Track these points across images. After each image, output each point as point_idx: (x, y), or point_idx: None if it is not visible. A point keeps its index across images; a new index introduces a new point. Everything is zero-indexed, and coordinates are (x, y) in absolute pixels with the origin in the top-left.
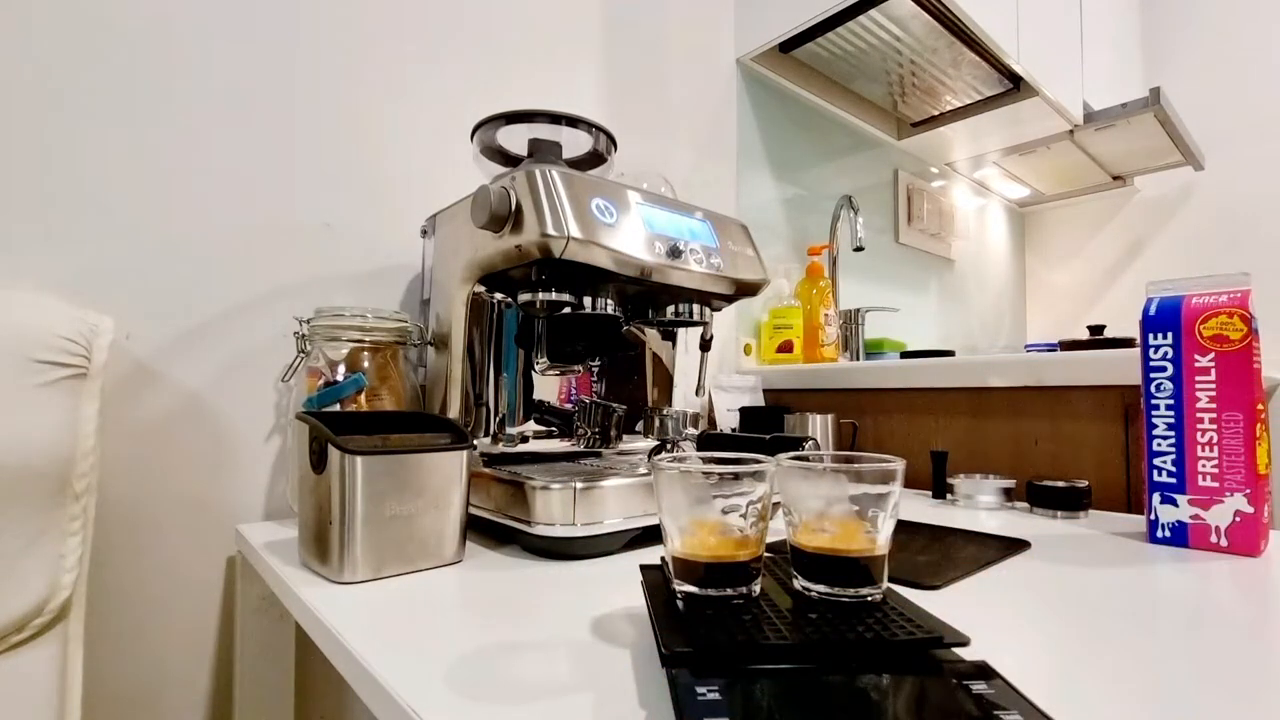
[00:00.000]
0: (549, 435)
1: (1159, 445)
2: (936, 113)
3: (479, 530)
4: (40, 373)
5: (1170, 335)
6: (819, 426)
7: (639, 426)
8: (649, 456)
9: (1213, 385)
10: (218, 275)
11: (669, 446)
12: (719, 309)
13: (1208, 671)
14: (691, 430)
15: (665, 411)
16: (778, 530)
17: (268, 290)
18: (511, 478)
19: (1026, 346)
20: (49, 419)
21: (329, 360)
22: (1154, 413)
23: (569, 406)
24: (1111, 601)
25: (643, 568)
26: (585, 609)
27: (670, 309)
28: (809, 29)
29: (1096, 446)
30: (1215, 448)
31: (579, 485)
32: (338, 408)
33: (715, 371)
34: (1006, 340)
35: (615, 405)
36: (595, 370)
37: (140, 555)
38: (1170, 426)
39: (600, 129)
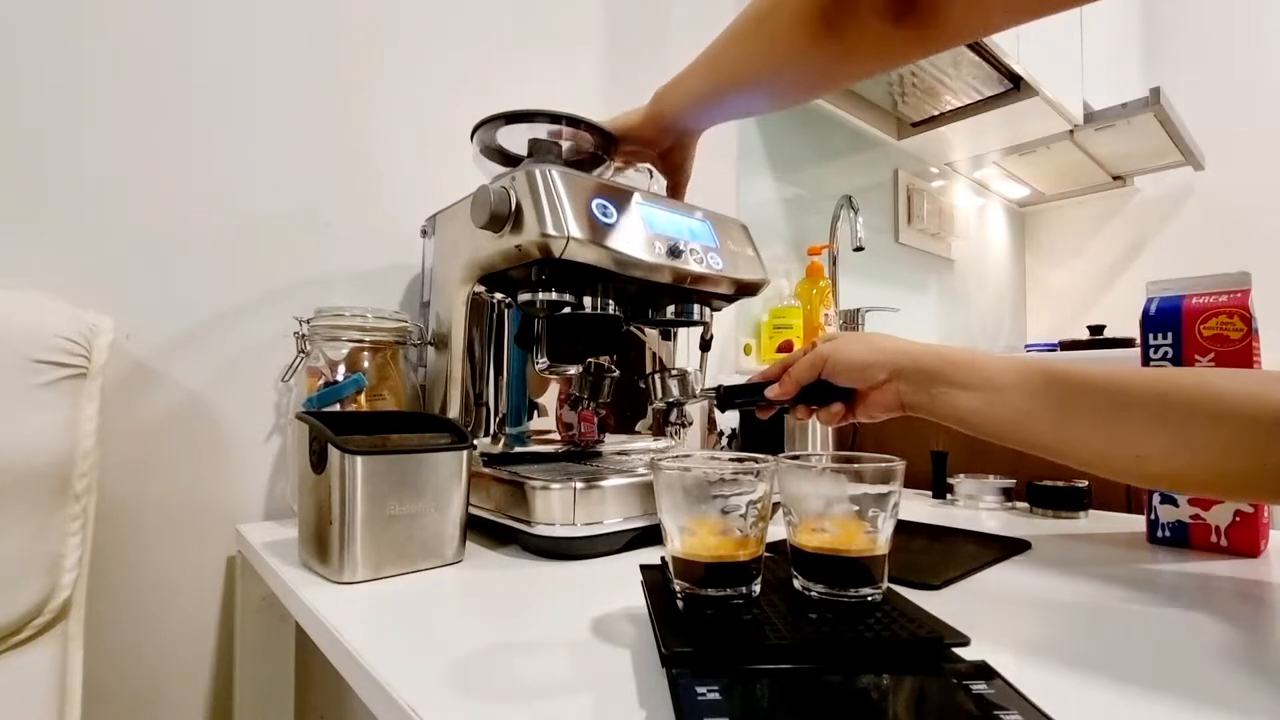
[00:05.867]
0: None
1: None
2: (936, 113)
3: (479, 530)
4: (40, 373)
5: (1170, 335)
6: (818, 427)
7: (639, 425)
8: (664, 417)
9: None
10: (218, 275)
11: (681, 408)
12: (719, 309)
13: (1208, 671)
14: (700, 389)
15: (672, 371)
16: (778, 530)
17: (268, 290)
18: (511, 478)
19: (1026, 346)
20: (49, 419)
21: (329, 360)
22: None
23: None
24: (1111, 602)
25: (643, 568)
26: (585, 609)
27: (670, 309)
28: None
29: None
30: None
31: (579, 485)
32: (338, 408)
33: (715, 371)
34: (1006, 340)
35: (609, 368)
36: None
37: (140, 555)
38: None
39: (601, 129)
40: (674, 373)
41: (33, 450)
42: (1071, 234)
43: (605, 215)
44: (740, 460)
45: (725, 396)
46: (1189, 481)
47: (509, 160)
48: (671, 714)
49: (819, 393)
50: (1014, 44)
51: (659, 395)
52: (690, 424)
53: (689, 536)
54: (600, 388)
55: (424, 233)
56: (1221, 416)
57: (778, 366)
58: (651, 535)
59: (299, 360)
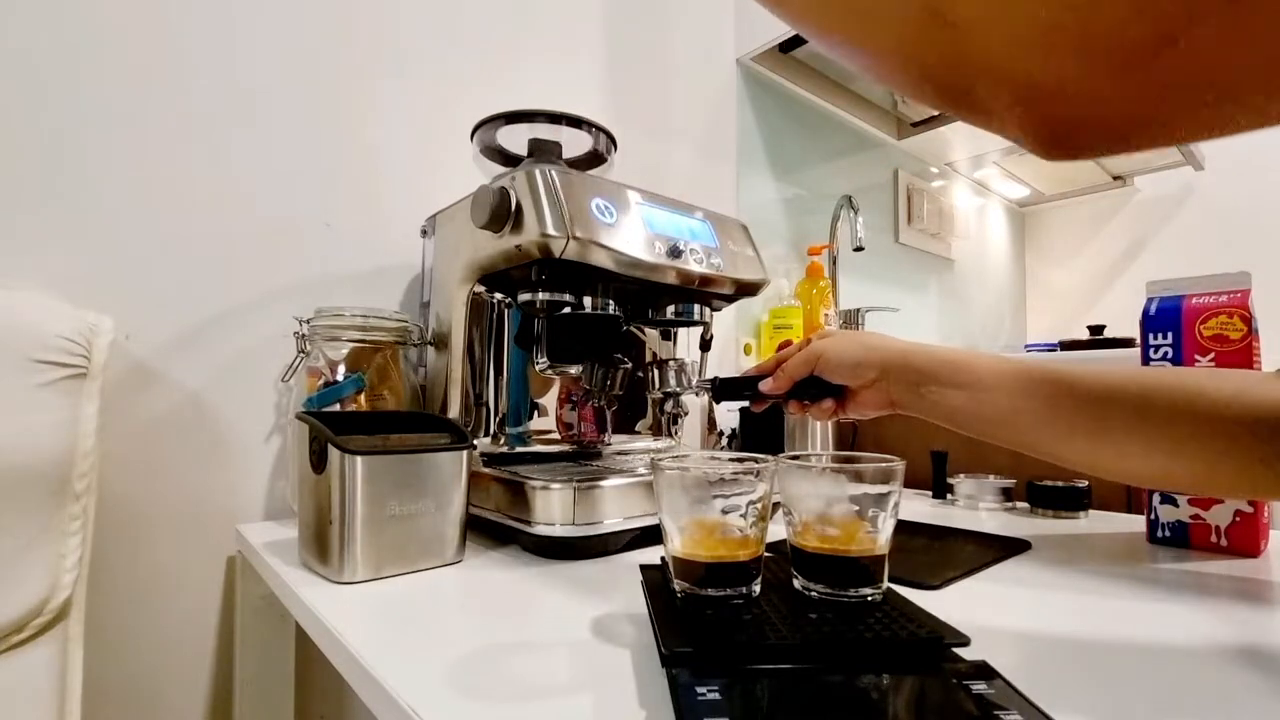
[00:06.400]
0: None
1: None
2: (936, 112)
3: (479, 530)
4: (40, 373)
5: (1170, 335)
6: (818, 427)
7: (639, 425)
8: (659, 408)
9: None
10: (218, 275)
11: (678, 398)
12: (719, 309)
13: (1207, 671)
14: (697, 380)
15: (670, 362)
16: (778, 530)
17: (268, 290)
18: (511, 477)
19: (1026, 346)
20: (49, 419)
21: (329, 360)
22: None
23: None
24: (1111, 602)
25: (643, 568)
26: (585, 609)
27: (670, 309)
28: None
29: None
30: None
31: (579, 485)
32: (338, 408)
33: (715, 371)
34: (1006, 340)
35: (621, 359)
36: None
37: (140, 555)
38: None
39: (600, 129)
40: (671, 363)
41: (33, 450)
42: (1071, 234)
43: (605, 215)
44: (740, 460)
45: (720, 388)
46: (1172, 479)
47: (509, 160)
48: (671, 714)
49: (811, 388)
50: None
51: (656, 385)
52: (686, 414)
53: (689, 536)
54: (613, 379)
55: (424, 233)
56: (1203, 415)
57: (772, 361)
58: (651, 535)
59: (299, 360)
